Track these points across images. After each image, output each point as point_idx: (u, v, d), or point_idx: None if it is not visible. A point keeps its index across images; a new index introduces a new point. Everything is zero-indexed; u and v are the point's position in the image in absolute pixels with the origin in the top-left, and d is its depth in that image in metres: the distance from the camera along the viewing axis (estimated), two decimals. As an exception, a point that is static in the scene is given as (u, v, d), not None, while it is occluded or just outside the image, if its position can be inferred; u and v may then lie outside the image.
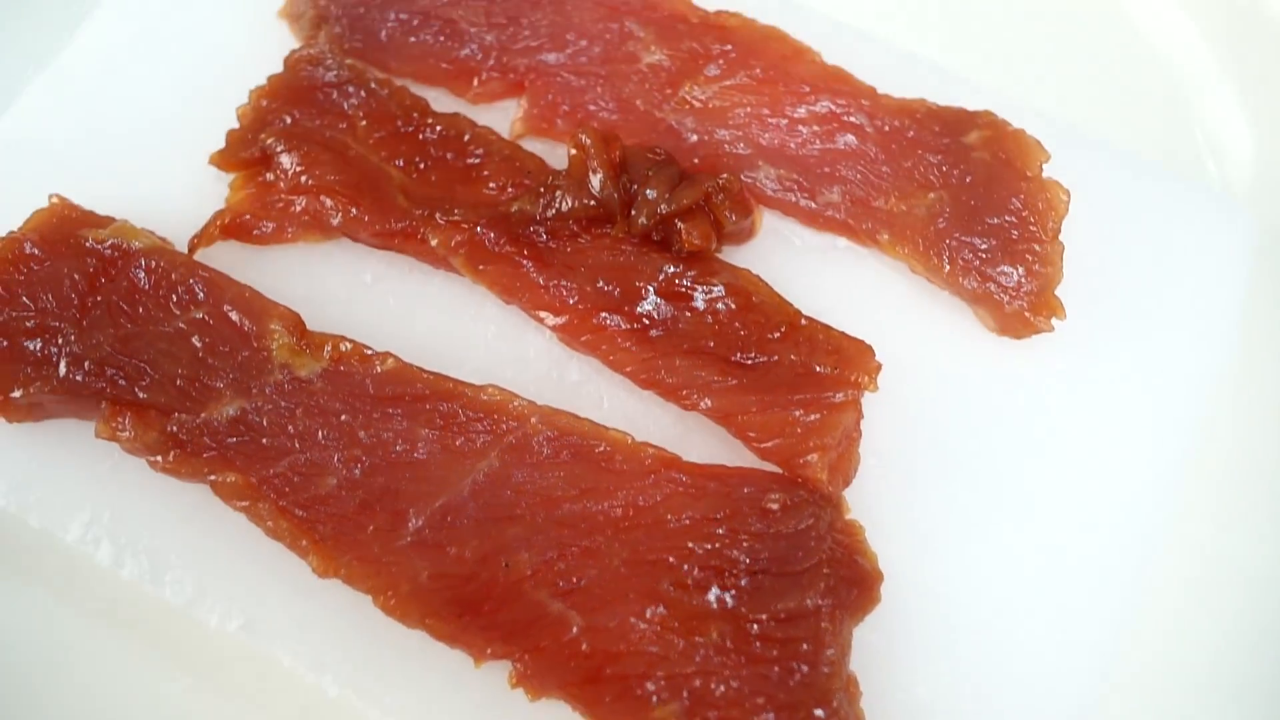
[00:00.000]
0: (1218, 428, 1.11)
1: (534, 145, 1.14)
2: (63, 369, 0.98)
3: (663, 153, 1.07)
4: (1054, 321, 1.05)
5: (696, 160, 1.11)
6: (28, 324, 0.99)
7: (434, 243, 1.05)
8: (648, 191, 1.05)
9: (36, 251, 1.02)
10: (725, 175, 1.05)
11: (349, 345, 1.02)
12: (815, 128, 1.12)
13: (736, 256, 1.10)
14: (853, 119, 1.12)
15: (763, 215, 1.12)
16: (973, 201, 1.08)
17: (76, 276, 1.01)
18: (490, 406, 1.00)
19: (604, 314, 1.03)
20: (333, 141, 1.09)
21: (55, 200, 1.06)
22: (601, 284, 1.04)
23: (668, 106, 1.14)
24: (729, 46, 1.15)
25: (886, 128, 1.12)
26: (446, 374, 1.02)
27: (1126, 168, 1.18)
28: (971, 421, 1.06)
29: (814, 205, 1.10)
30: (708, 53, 1.15)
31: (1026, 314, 1.04)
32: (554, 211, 1.06)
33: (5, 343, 0.99)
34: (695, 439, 1.03)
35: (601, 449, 0.99)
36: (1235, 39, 1.30)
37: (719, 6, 1.19)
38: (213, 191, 1.11)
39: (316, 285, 1.09)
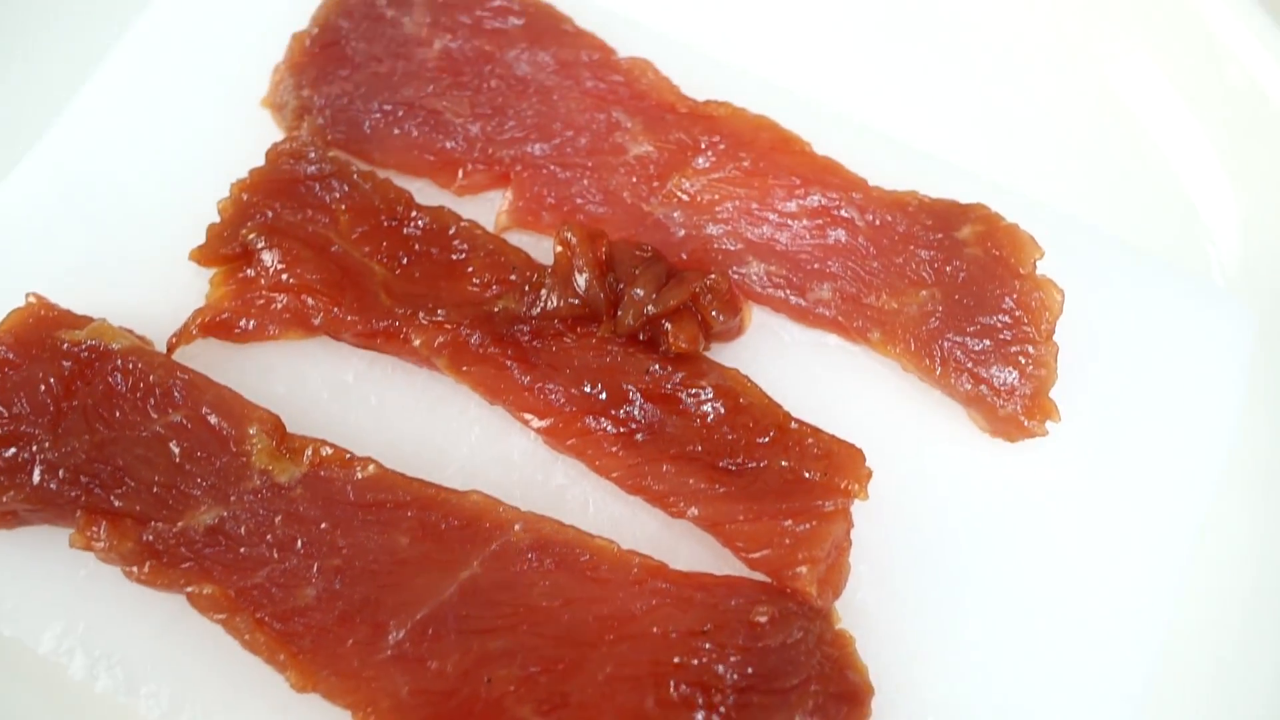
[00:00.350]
0: (1219, 530, 1.09)
1: (520, 237, 1.13)
2: (37, 477, 0.96)
3: (650, 249, 1.06)
4: (1049, 424, 1.03)
5: (685, 255, 1.10)
6: (1, 431, 0.97)
7: (417, 343, 1.03)
8: (635, 291, 1.03)
9: (11, 355, 1.00)
10: (713, 275, 1.03)
11: (329, 450, 1.00)
12: (805, 222, 1.10)
13: (725, 353, 1.08)
14: (843, 213, 1.10)
15: (752, 311, 1.10)
16: (965, 300, 1.06)
17: (52, 380, 0.99)
18: (473, 513, 0.98)
19: (590, 417, 1.01)
20: (314, 237, 1.07)
21: (32, 299, 1.04)
22: (587, 386, 1.02)
23: (655, 199, 1.12)
24: (717, 137, 1.13)
25: (878, 222, 1.10)
26: (429, 476, 1.00)
27: (1123, 261, 1.16)
28: (965, 527, 1.03)
29: (804, 302, 1.08)
30: (696, 144, 1.13)
31: (1020, 417, 1.02)
32: (539, 310, 1.04)
33: (-22, 450, 0.97)
34: (683, 544, 1.02)
35: (586, 558, 0.97)
36: (1236, 132, 1.28)
37: (708, 95, 1.17)
38: (194, 286, 1.08)
39: (298, 384, 1.07)
